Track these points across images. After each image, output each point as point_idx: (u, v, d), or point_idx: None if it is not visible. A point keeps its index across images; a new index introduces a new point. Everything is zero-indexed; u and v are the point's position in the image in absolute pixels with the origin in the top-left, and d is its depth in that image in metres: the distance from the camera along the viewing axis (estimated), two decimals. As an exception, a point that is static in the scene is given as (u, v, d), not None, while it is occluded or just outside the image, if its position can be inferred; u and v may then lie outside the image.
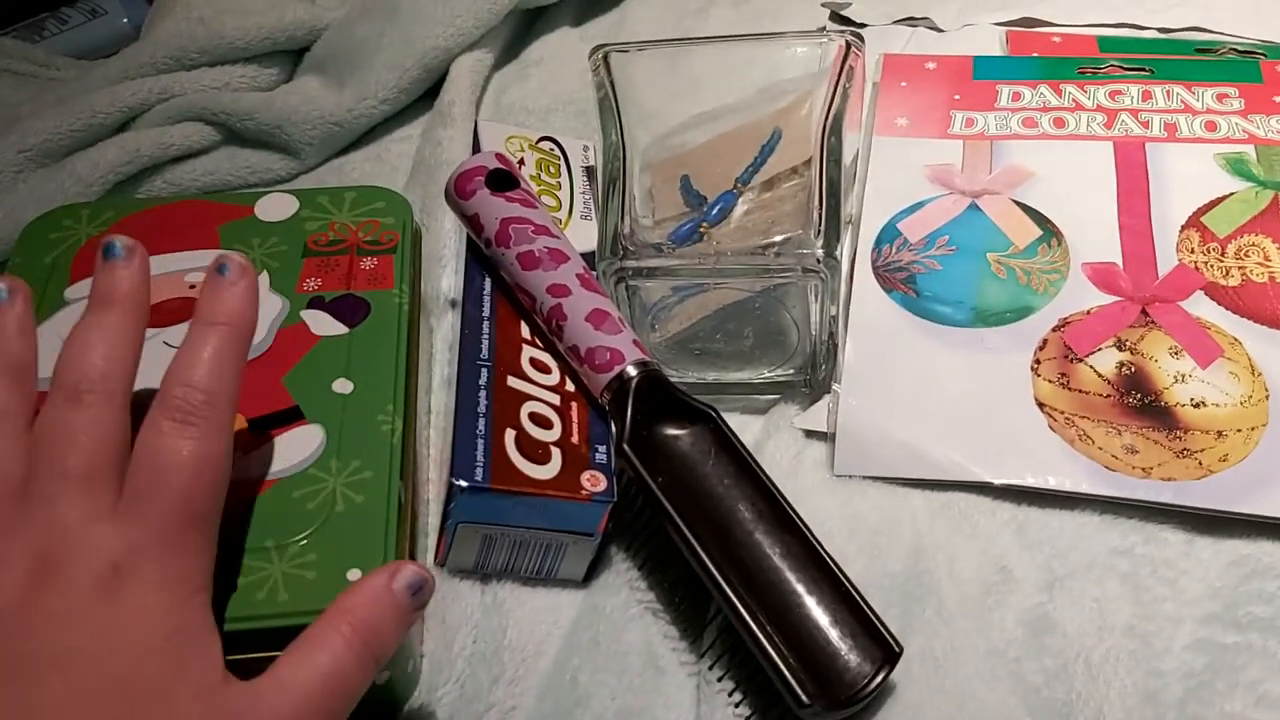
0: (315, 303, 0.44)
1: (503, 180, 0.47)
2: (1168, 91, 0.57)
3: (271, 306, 0.44)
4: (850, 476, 0.46)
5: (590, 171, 0.57)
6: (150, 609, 0.31)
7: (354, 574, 0.36)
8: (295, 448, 0.39)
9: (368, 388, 0.41)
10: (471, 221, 0.47)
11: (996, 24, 0.64)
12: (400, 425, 0.41)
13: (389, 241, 0.47)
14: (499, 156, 0.48)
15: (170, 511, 0.32)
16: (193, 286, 0.44)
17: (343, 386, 0.41)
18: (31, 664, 0.30)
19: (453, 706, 0.40)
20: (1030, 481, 0.44)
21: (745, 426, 0.49)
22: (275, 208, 0.48)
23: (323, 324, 0.43)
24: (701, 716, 0.39)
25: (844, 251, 0.54)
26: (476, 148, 0.55)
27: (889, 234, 0.53)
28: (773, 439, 0.48)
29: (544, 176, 0.55)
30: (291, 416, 0.40)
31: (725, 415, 0.50)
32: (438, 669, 0.41)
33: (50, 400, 0.33)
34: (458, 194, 0.47)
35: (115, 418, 0.33)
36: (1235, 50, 0.60)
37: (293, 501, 0.38)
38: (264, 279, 0.45)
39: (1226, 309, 0.48)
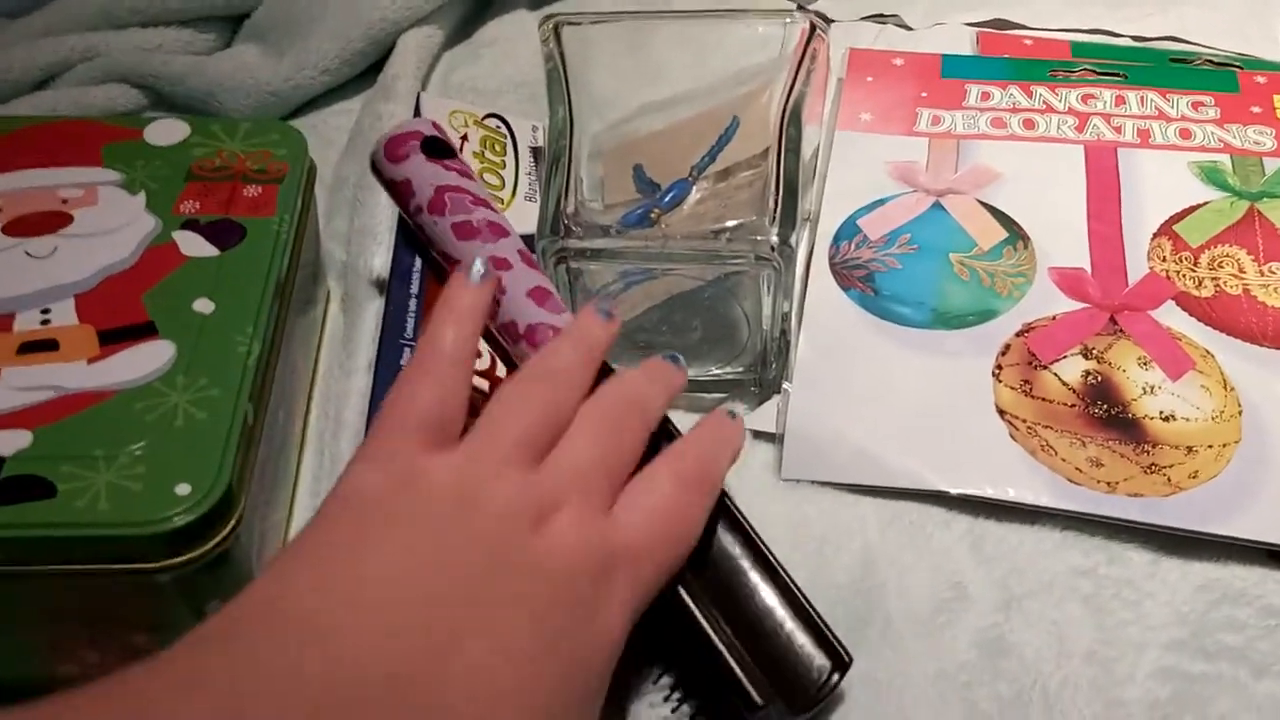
0: (190, 225, 0.43)
1: (439, 148, 0.44)
2: (1142, 97, 0.54)
3: (143, 225, 0.43)
4: (798, 481, 0.43)
5: (538, 153, 0.54)
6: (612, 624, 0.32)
7: (183, 488, 0.34)
8: (142, 361, 0.38)
9: (230, 309, 0.40)
10: (401, 187, 0.43)
11: (967, 24, 0.62)
12: (259, 349, 0.39)
13: (277, 172, 0.45)
14: (435, 125, 0.45)
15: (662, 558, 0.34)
16: (65, 201, 0.43)
17: (203, 306, 0.40)
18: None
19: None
20: (989, 493, 0.41)
21: (690, 426, 0.46)
22: (165, 132, 0.47)
23: (193, 245, 0.42)
24: (639, 717, 0.36)
25: (801, 246, 0.51)
26: (417, 120, 0.52)
27: (848, 230, 0.50)
28: (718, 439, 0.45)
29: (488, 154, 0.52)
30: (144, 331, 0.39)
31: (670, 415, 0.47)
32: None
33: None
34: (388, 158, 0.44)
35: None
36: (1210, 62, 0.58)
37: (131, 413, 0.36)
38: (140, 199, 0.44)
39: (1199, 320, 0.45)
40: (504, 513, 0.31)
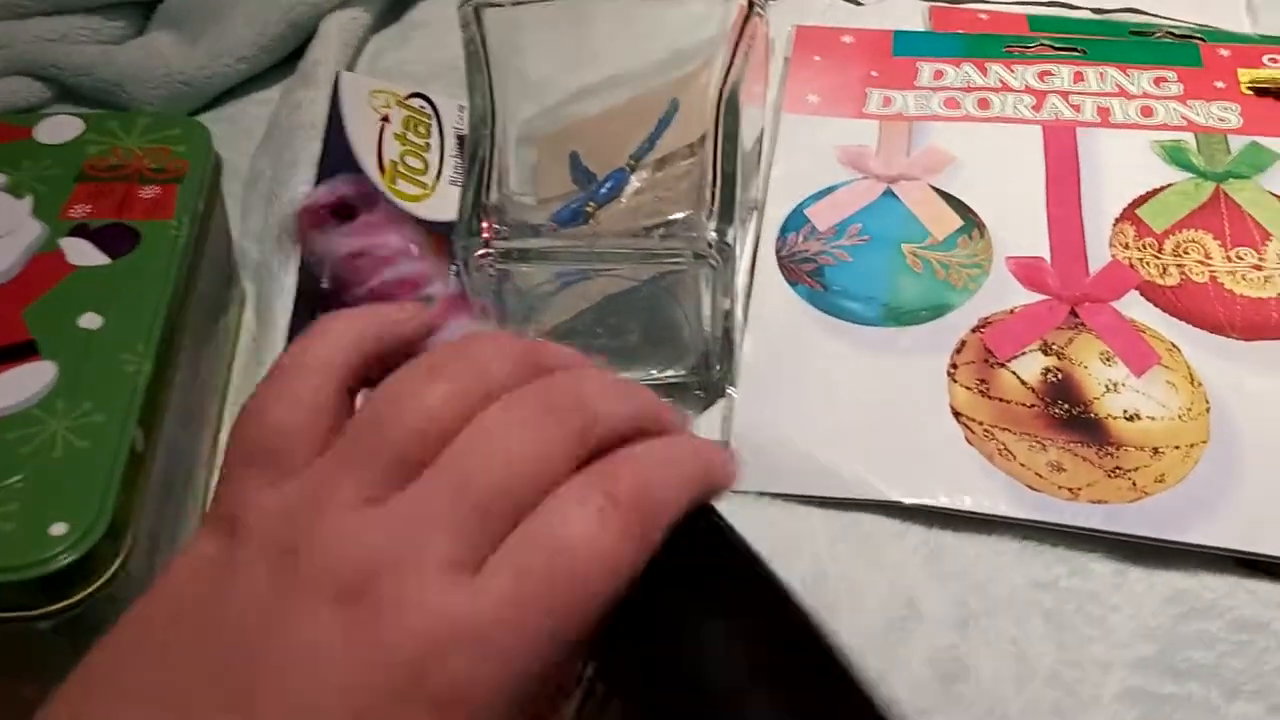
0: (79, 230, 0.40)
1: (347, 212, 0.39)
2: (1101, 74, 0.52)
3: (28, 233, 0.39)
4: (745, 492, 0.40)
5: (464, 141, 0.51)
6: None
7: (59, 528, 0.31)
8: (20, 386, 0.35)
9: (120, 324, 0.37)
10: (316, 267, 0.38)
11: (920, -2, 0.59)
12: (149, 367, 0.36)
13: (176, 170, 0.42)
14: (349, 182, 0.40)
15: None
16: None
17: (90, 321, 0.37)
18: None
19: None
20: (944, 502, 0.39)
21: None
22: (56, 130, 0.43)
23: (82, 253, 0.39)
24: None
25: (747, 239, 0.48)
26: (335, 100, 0.48)
27: (796, 221, 0.47)
28: (659, 448, 0.42)
29: (411, 136, 0.49)
30: (23, 351, 0.36)
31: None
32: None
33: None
34: (298, 237, 0.39)
35: None
36: (1172, 34, 0.56)
37: (4, 444, 0.33)
38: (27, 203, 0.40)
39: (1164, 311, 0.43)
40: (315, 578, 0.22)
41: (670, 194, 0.45)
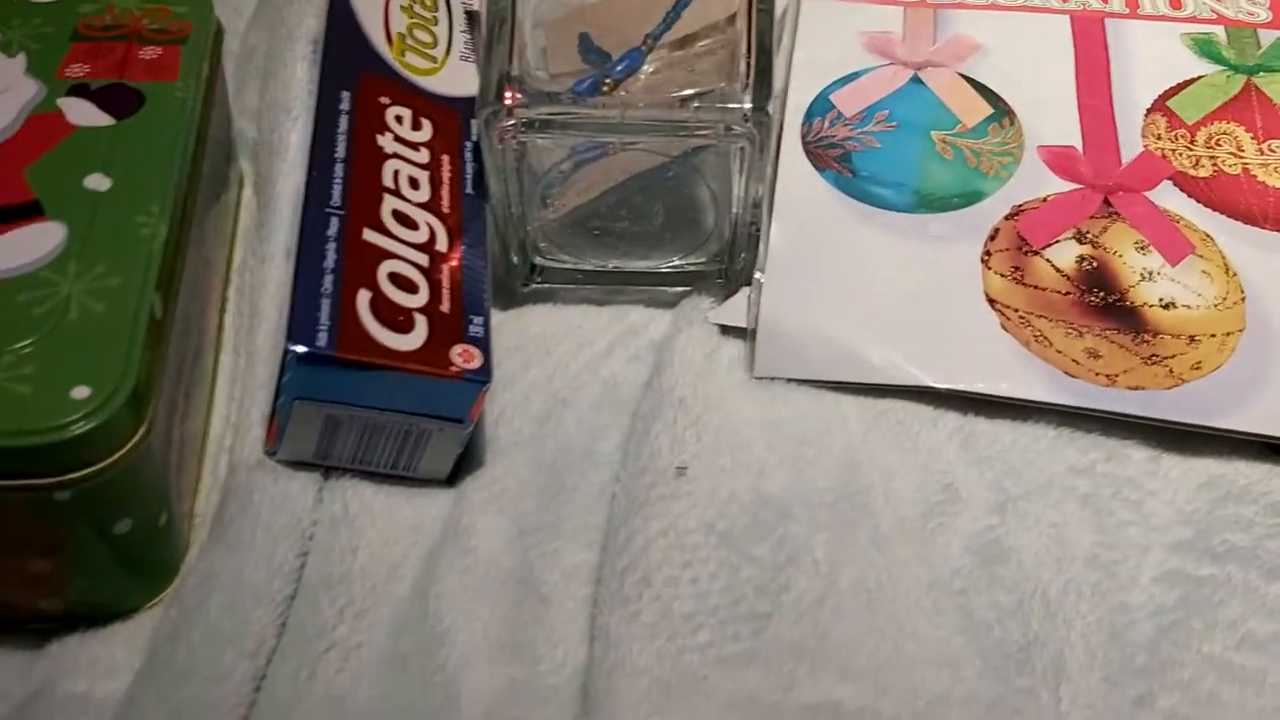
0: (78, 90, 0.38)
1: None
2: (1129, -36, 0.51)
3: (24, 91, 0.37)
4: (772, 379, 0.39)
5: (473, 16, 0.48)
6: None
7: (80, 391, 0.30)
8: (26, 246, 0.33)
9: (130, 186, 0.35)
10: None
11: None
12: (165, 231, 0.34)
13: (179, 31, 0.40)
14: None
15: None
16: None
17: (98, 183, 0.35)
18: None
19: (283, 643, 0.32)
20: (980, 387, 0.38)
21: (650, 321, 0.42)
22: None
23: (83, 113, 0.37)
24: (594, 654, 0.33)
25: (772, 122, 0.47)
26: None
27: (821, 106, 0.46)
28: (683, 334, 0.41)
29: (418, 9, 0.46)
30: (27, 211, 0.34)
31: (622, 310, 0.43)
32: (257, 594, 0.33)
33: None
34: None
35: None
36: (1195, -70, 0.55)
37: (15, 306, 0.32)
38: (19, 62, 0.38)
39: (1197, 201, 0.42)
40: None
41: (694, 72, 0.43)
